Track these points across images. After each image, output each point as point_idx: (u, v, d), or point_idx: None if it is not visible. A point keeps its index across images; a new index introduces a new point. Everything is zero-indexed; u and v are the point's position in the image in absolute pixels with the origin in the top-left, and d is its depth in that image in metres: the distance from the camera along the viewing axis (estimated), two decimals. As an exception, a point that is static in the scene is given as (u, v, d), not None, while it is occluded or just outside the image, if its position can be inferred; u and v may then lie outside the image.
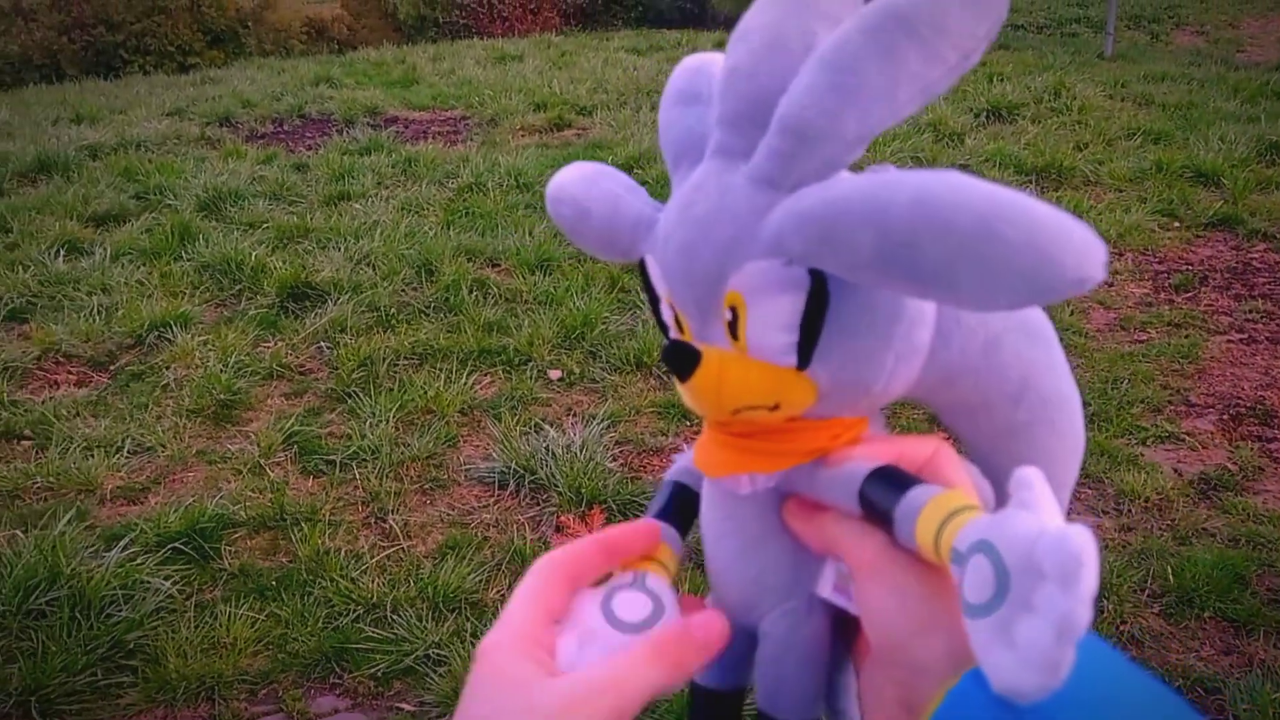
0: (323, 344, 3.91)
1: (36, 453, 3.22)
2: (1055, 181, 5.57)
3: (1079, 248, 0.36)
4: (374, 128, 7.14)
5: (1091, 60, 8.77)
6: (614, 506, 2.89)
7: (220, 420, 3.43)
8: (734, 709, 0.57)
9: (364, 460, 3.17)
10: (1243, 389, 3.56)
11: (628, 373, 3.67)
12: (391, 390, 3.55)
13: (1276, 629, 2.43)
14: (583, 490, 2.93)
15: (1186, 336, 3.93)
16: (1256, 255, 4.70)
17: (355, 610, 2.53)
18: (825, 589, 0.51)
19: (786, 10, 0.47)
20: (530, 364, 3.73)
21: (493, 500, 3.00)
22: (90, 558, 2.62)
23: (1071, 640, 0.35)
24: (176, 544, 2.73)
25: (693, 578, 2.28)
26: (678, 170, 0.53)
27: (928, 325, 0.47)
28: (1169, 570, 2.60)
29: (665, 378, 3.57)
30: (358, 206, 5.36)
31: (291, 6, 13.61)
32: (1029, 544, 0.37)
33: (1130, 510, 2.89)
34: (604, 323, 3.95)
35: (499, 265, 4.57)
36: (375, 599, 2.55)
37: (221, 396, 3.50)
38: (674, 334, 0.52)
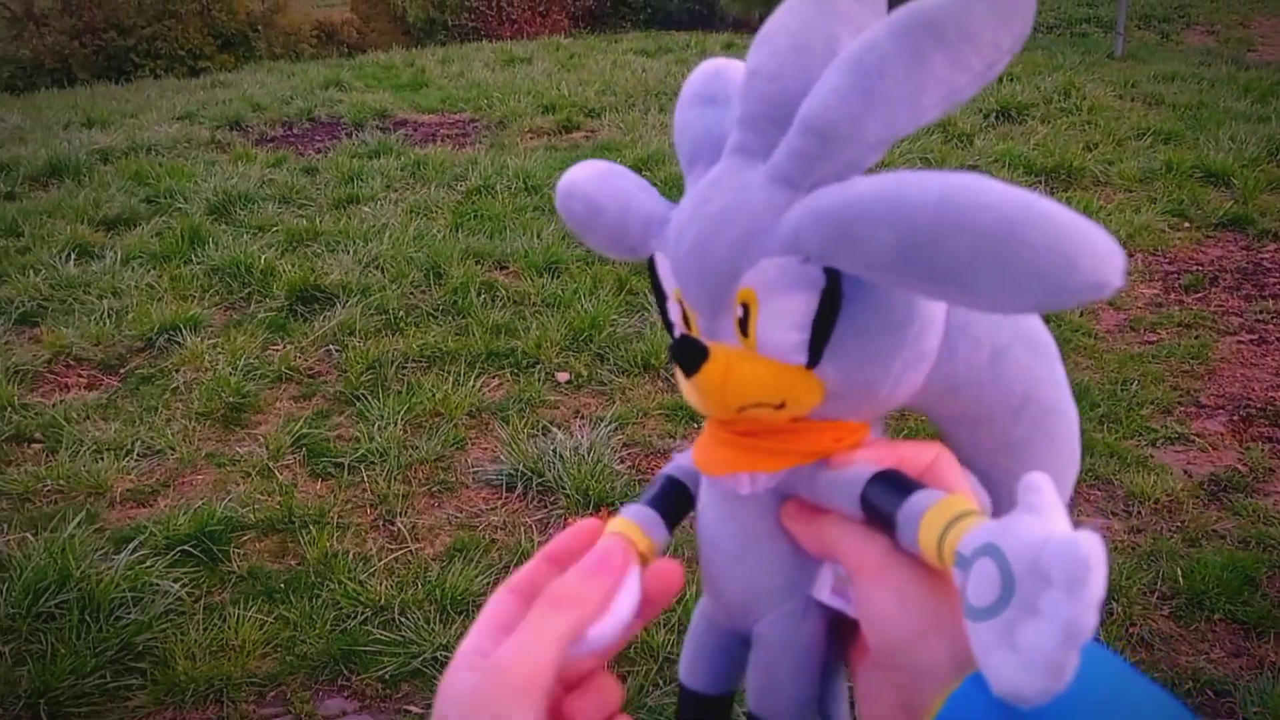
0: (331, 347, 3.92)
1: (47, 456, 3.23)
2: (1065, 182, 5.55)
3: (1100, 252, 0.36)
4: (383, 131, 7.15)
5: (1101, 60, 8.74)
6: (621, 508, 2.88)
7: (229, 423, 3.44)
8: (723, 714, 0.57)
9: (372, 463, 3.18)
10: (1253, 390, 3.54)
11: (635, 375, 3.67)
12: (400, 393, 3.56)
13: (1287, 631, 2.42)
14: (590, 492, 2.94)
15: (1197, 337, 3.91)
16: (1267, 255, 4.68)
17: (363, 612, 2.54)
18: (823, 592, 0.51)
19: (811, 15, 0.48)
20: (538, 366, 3.73)
21: (500, 503, 3.00)
22: (99, 560, 2.63)
23: (1076, 645, 0.35)
24: (185, 546, 2.73)
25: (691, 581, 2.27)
26: (693, 170, 0.53)
27: (936, 333, 0.48)
28: (1179, 572, 2.59)
29: (673, 380, 3.57)
30: (367, 209, 5.38)
31: (301, 10, 13.66)
32: (1036, 548, 0.37)
33: (1140, 512, 2.88)
34: (612, 325, 3.95)
35: (507, 268, 4.58)
36: (383, 601, 2.56)
37: (231, 399, 3.51)
38: (681, 332, 0.52)
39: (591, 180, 0.57)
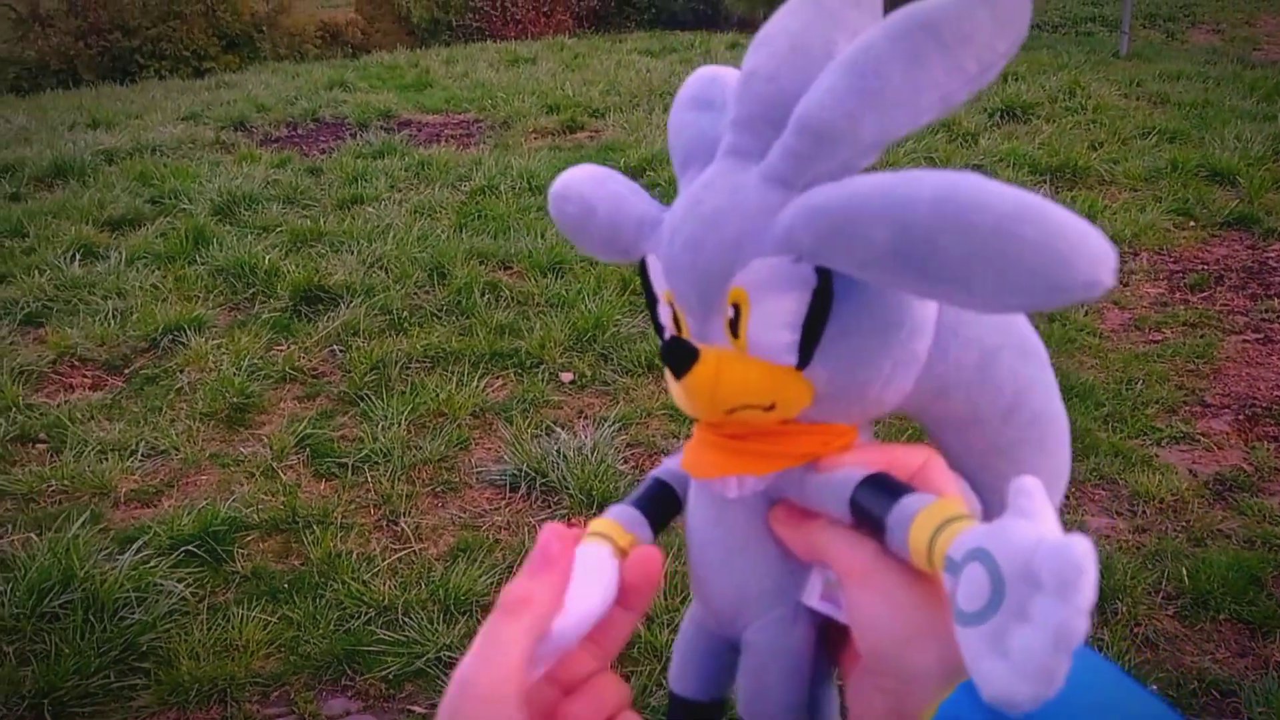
0: (335, 347, 3.92)
1: (51, 456, 3.24)
2: (1070, 181, 5.54)
3: (1093, 252, 0.37)
4: (387, 131, 7.16)
5: (1106, 59, 8.73)
6: (625, 509, 2.88)
7: (233, 423, 3.44)
8: None
9: (376, 463, 3.18)
10: (1259, 389, 3.53)
11: (639, 375, 3.67)
12: (403, 393, 3.56)
13: (1293, 631, 2.41)
14: (594, 492, 2.93)
15: (1202, 336, 3.90)
16: (1273, 254, 4.67)
17: (367, 613, 2.54)
18: (812, 597, 0.50)
19: (809, 18, 0.48)
20: (542, 367, 3.73)
21: (504, 503, 3.00)
22: (104, 560, 2.63)
23: (1067, 651, 0.35)
24: (189, 547, 2.74)
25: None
26: (686, 172, 0.53)
27: (927, 336, 0.47)
28: (1184, 572, 2.59)
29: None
30: (371, 210, 5.38)
31: (306, 11, 13.67)
32: (1027, 553, 0.36)
33: (1145, 511, 2.87)
34: (616, 325, 3.95)
35: (511, 268, 4.58)
36: (387, 601, 2.56)
37: (234, 400, 3.51)
38: (671, 334, 0.52)
39: (585, 183, 0.57)
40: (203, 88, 9.32)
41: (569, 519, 2.87)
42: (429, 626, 2.46)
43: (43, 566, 2.56)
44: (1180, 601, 2.52)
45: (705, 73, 0.57)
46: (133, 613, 2.49)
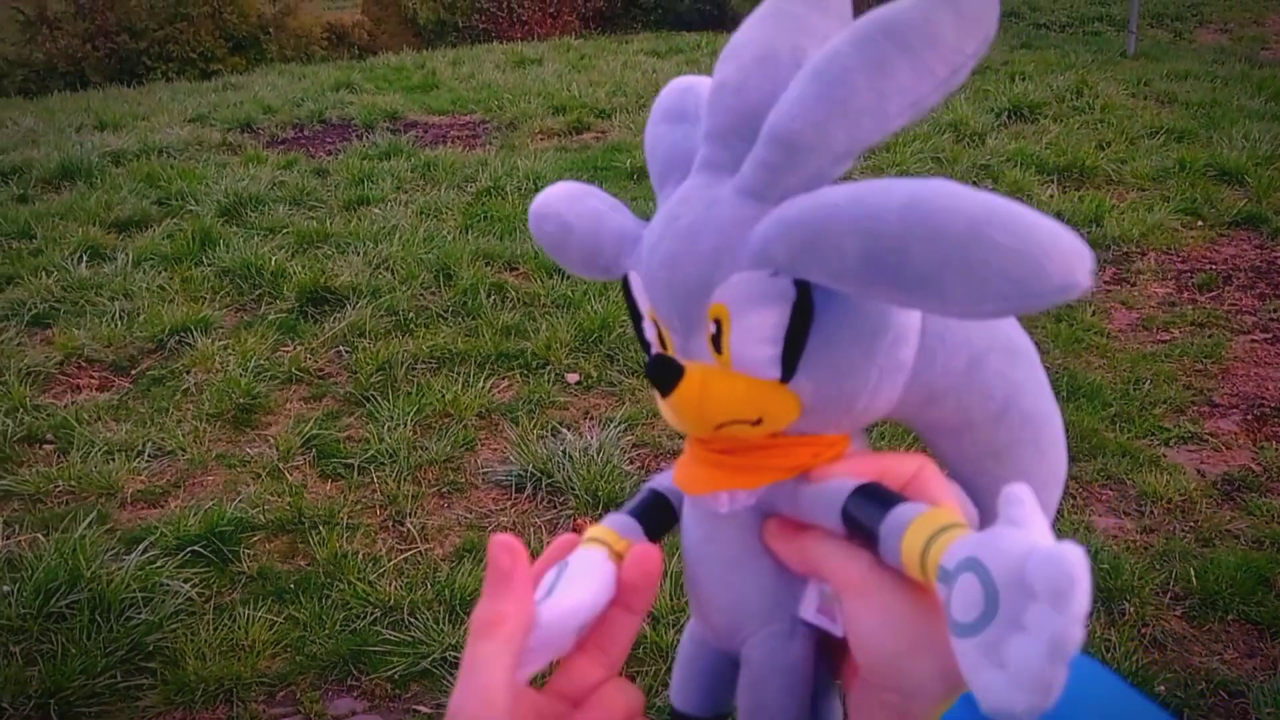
0: (341, 348, 3.93)
1: (58, 457, 3.25)
2: (1077, 181, 5.53)
3: (1067, 253, 0.36)
4: (393, 132, 7.17)
5: (1114, 58, 8.71)
6: (631, 509, 2.88)
7: (240, 424, 3.45)
8: None
9: (382, 463, 3.18)
10: (1267, 389, 3.52)
11: (645, 376, 3.67)
12: (409, 394, 3.56)
13: (1302, 632, 2.40)
14: (599, 493, 2.93)
15: (1210, 336, 3.89)
16: (1281, 254, 4.65)
17: (373, 613, 2.54)
18: (808, 611, 0.50)
19: (776, 28, 0.48)
20: (548, 367, 3.73)
21: (510, 503, 3.00)
22: (110, 561, 2.63)
23: (1064, 660, 0.34)
24: (196, 547, 2.74)
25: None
26: (664, 187, 0.53)
27: (911, 343, 0.47)
28: (1192, 572, 2.57)
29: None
30: (377, 211, 5.39)
31: (312, 12, 13.70)
32: (1019, 562, 0.36)
33: (1152, 512, 2.86)
34: (621, 326, 3.95)
35: (517, 269, 4.58)
36: (393, 601, 2.56)
37: (241, 400, 3.52)
38: (656, 351, 0.51)
39: (563, 201, 0.57)
40: (209, 89, 9.34)
41: (574, 519, 2.87)
42: (435, 627, 2.46)
43: (49, 567, 2.57)
44: (1188, 602, 2.51)
45: (679, 84, 0.57)
46: (139, 613, 2.49)
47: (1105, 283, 4.41)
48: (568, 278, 4.44)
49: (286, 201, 5.55)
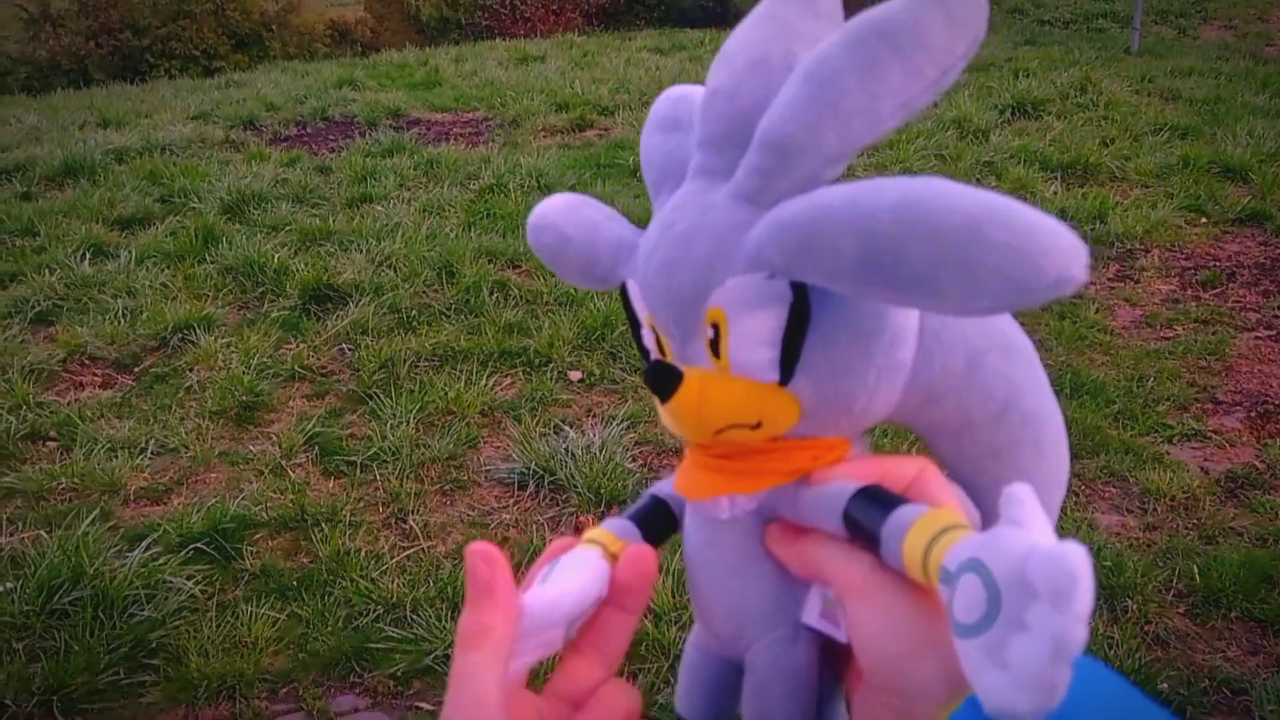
0: (344, 346, 3.93)
1: (61, 454, 3.25)
2: (1081, 178, 5.52)
3: (1063, 248, 0.36)
4: (396, 130, 7.17)
5: (1118, 55, 8.69)
6: (633, 506, 2.88)
7: (242, 421, 3.45)
8: None
9: (385, 461, 3.18)
10: (1271, 386, 3.51)
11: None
12: (412, 391, 3.56)
13: (1305, 630, 2.40)
14: (602, 491, 2.93)
15: (1214, 333, 3.88)
16: (1286, 251, 4.64)
17: (375, 610, 2.54)
18: (811, 616, 0.49)
19: (768, 33, 0.48)
20: (550, 365, 3.73)
21: (512, 501, 3.00)
22: (113, 558, 2.64)
23: (1067, 660, 0.34)
24: (199, 544, 2.75)
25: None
26: (659, 195, 0.53)
27: (909, 343, 0.47)
28: (1195, 570, 2.57)
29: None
30: (379, 208, 5.39)
31: (315, 9, 13.69)
32: (1020, 562, 0.36)
33: (1156, 509, 2.86)
34: (624, 324, 3.94)
35: (520, 266, 4.58)
36: (395, 599, 2.56)
37: (244, 398, 3.52)
38: (655, 357, 0.51)
39: (560, 212, 0.57)
40: (212, 86, 9.34)
41: (577, 517, 2.87)
42: (437, 624, 2.46)
43: (52, 564, 2.57)
44: (1191, 599, 2.51)
45: (673, 93, 0.57)
46: (142, 610, 2.49)
47: (1109, 280, 4.40)
48: (570, 275, 4.43)
49: (289, 199, 5.55)
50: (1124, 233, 4.75)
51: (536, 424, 3.34)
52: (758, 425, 0.47)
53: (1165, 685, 2.22)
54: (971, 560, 0.38)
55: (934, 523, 0.42)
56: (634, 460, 3.13)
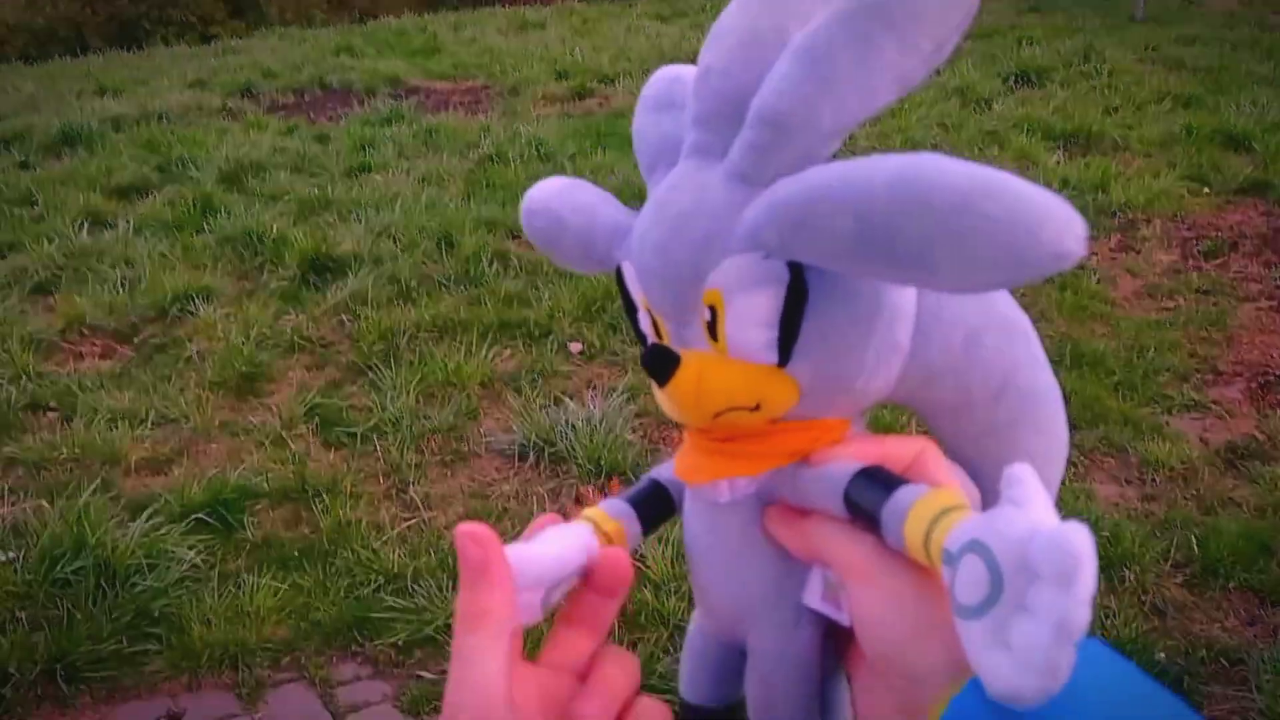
0: (344, 317, 3.92)
1: (62, 424, 3.25)
2: (1084, 147, 5.49)
3: (1060, 221, 0.35)
4: (395, 98, 7.12)
5: (1122, 23, 8.62)
6: (633, 478, 2.88)
7: (242, 392, 3.45)
8: None
9: (385, 432, 3.18)
10: (1272, 357, 3.51)
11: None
12: (412, 363, 3.56)
13: (1302, 600, 2.41)
14: (602, 462, 2.94)
15: (1215, 304, 3.88)
16: (1288, 221, 4.62)
17: (376, 580, 2.55)
18: (813, 599, 0.49)
19: (760, 10, 0.47)
20: (551, 337, 3.73)
21: (513, 472, 3.01)
22: (115, 528, 2.64)
23: (1070, 641, 0.34)
24: (200, 515, 2.75)
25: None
26: (653, 175, 0.53)
27: (907, 323, 0.47)
28: (1193, 540, 2.58)
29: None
30: (379, 178, 5.36)
31: (312, -24, 13.56)
32: (1022, 543, 0.36)
33: (1155, 480, 2.86)
34: (624, 293, 3.93)
35: (520, 237, 4.56)
36: (396, 569, 2.57)
37: (244, 369, 3.52)
38: (652, 341, 0.51)
39: (554, 196, 0.56)
40: (209, 53, 9.28)
41: (577, 488, 2.87)
42: (438, 594, 2.47)
43: (54, 533, 2.58)
44: (1189, 570, 2.52)
45: (666, 73, 0.57)
46: (144, 579, 2.50)
47: (1110, 250, 4.39)
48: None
49: (288, 168, 5.52)
50: (1126, 203, 4.73)
51: (537, 396, 3.34)
52: (756, 407, 0.47)
53: (1162, 655, 2.23)
54: (973, 542, 0.38)
55: (935, 504, 0.41)
56: (634, 432, 3.13)
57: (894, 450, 0.46)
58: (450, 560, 2.58)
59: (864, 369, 0.46)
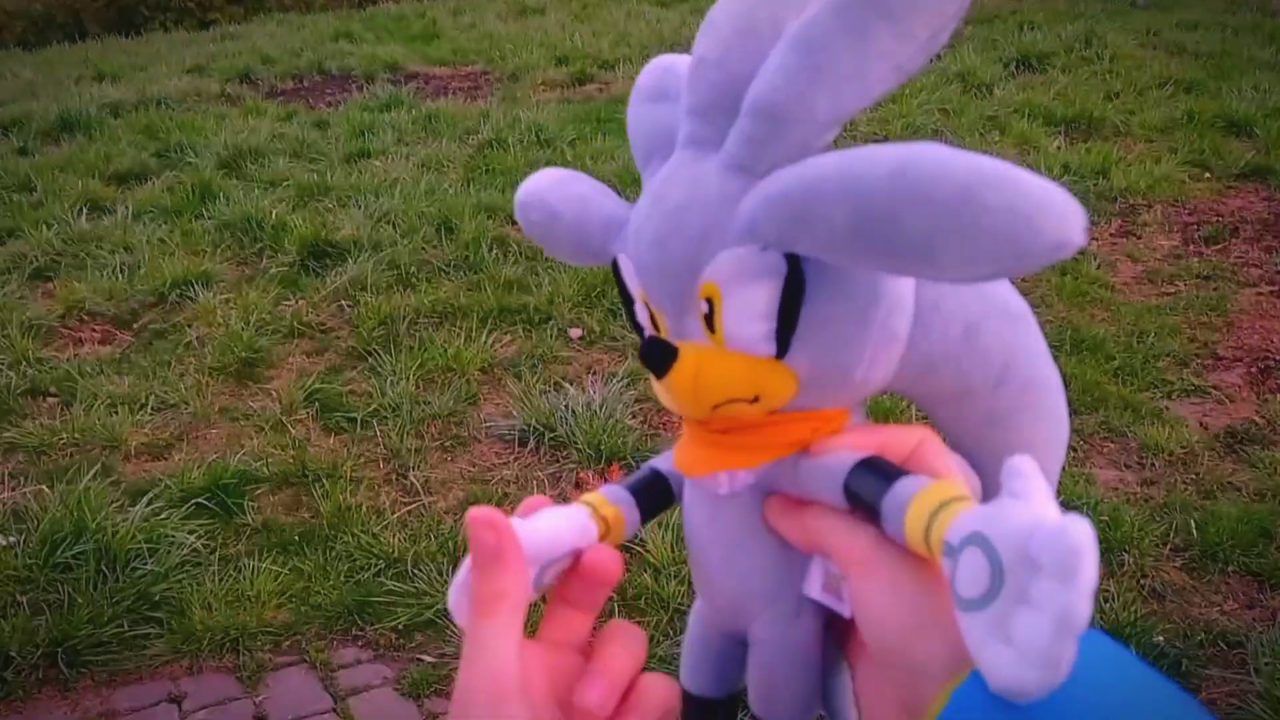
0: (343, 302, 3.92)
1: (61, 410, 3.25)
2: (1085, 132, 5.47)
3: (1060, 210, 0.35)
4: (394, 84, 7.10)
5: (1124, 8, 8.58)
6: (633, 463, 2.89)
7: (242, 378, 3.45)
8: (728, 717, 0.56)
9: (385, 418, 3.19)
10: (1272, 342, 3.51)
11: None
12: (412, 348, 3.56)
13: (1301, 584, 2.41)
14: (602, 447, 2.94)
15: (1215, 289, 3.87)
16: (1289, 206, 4.61)
17: (377, 565, 2.56)
18: (813, 589, 0.49)
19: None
20: (551, 322, 3.72)
21: (513, 457, 3.01)
22: (115, 512, 2.65)
23: (1072, 635, 0.34)
24: (200, 499, 2.76)
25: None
26: (648, 167, 0.52)
27: (906, 313, 0.46)
28: (1192, 524, 2.58)
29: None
30: (378, 164, 5.35)
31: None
32: (1024, 536, 0.36)
33: (1154, 464, 2.87)
34: (624, 278, 3.93)
35: (519, 223, 4.55)
36: (396, 554, 2.58)
37: (243, 354, 3.52)
38: (650, 334, 0.51)
39: (547, 188, 0.56)
40: (208, 39, 9.25)
41: (577, 473, 2.87)
42: (438, 578, 2.47)
43: (55, 518, 2.58)
44: (1188, 554, 2.52)
45: (660, 63, 0.56)
46: (145, 564, 2.51)
47: (1111, 235, 4.38)
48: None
49: (287, 154, 5.51)
50: (1127, 188, 4.72)
51: (537, 381, 3.34)
52: (755, 399, 0.46)
53: (1161, 638, 2.24)
54: (974, 534, 0.38)
55: (936, 495, 0.41)
56: (634, 417, 3.13)
57: (894, 440, 0.46)
58: (450, 545, 2.58)
59: (862, 360, 0.46)
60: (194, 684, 2.26)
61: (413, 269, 4.11)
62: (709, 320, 0.46)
